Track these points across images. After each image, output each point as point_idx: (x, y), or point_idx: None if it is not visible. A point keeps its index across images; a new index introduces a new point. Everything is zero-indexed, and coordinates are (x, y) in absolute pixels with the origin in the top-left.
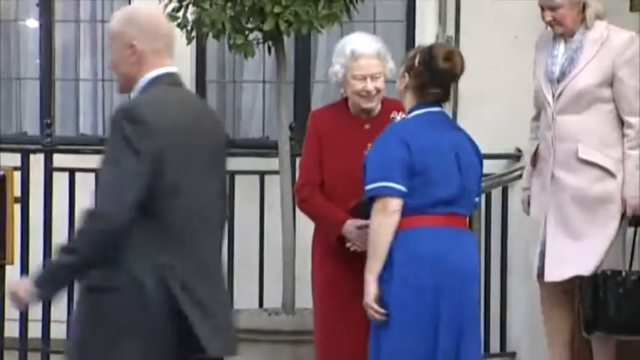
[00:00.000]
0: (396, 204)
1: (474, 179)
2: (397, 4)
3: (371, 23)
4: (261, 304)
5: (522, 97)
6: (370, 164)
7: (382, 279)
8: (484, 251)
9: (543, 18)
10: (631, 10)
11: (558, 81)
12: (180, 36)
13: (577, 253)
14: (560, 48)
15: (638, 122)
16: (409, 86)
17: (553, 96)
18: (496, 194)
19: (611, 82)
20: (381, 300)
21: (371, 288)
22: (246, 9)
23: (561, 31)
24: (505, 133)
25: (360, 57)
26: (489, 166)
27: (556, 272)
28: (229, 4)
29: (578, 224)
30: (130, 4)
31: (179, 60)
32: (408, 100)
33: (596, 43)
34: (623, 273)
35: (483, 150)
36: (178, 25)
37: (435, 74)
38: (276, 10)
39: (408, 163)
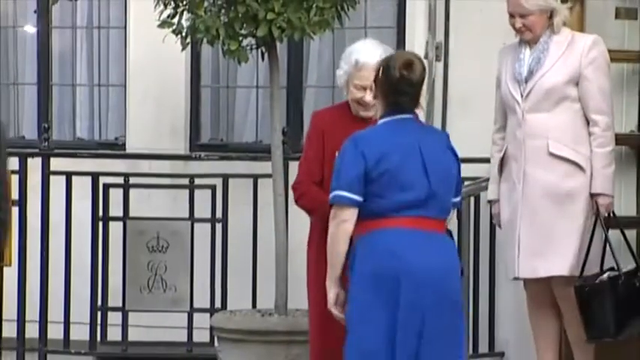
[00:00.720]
0: (348, 213)
1: (447, 181)
2: (388, 10)
3: (362, 29)
4: (254, 305)
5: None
6: (333, 173)
7: (349, 281)
8: (473, 253)
9: (513, 25)
10: (616, 17)
11: (526, 80)
12: (175, 42)
13: (549, 252)
14: (526, 52)
15: (604, 120)
16: (377, 94)
17: (522, 96)
18: (484, 197)
19: (577, 81)
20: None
21: (330, 294)
22: (240, 15)
23: (530, 37)
24: None
25: (362, 67)
26: (478, 170)
27: (529, 268)
28: (223, 11)
29: (549, 220)
30: (125, 10)
31: (174, 66)
32: (379, 109)
33: (562, 45)
34: (622, 277)
35: (472, 154)
36: (173, 32)
37: (393, 83)
38: (269, 16)
39: (362, 172)
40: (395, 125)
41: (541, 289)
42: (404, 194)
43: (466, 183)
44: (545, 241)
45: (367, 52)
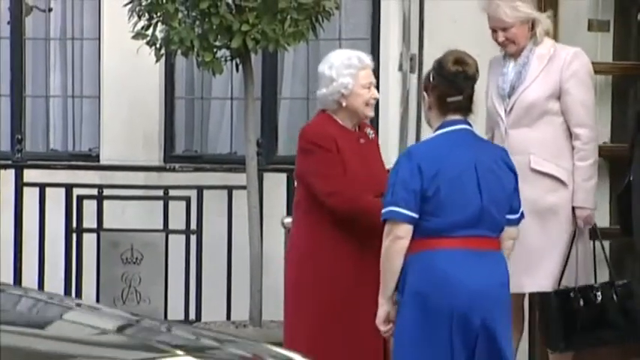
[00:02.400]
0: (402, 229)
1: (500, 199)
2: (362, 22)
3: (336, 41)
4: (228, 317)
5: (482, 113)
6: (387, 187)
7: (399, 301)
8: None
9: (495, 39)
10: (589, 29)
11: (509, 96)
12: (149, 53)
13: (534, 268)
14: (510, 65)
15: (586, 133)
16: (431, 104)
17: (505, 111)
18: None
19: (559, 95)
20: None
21: (380, 311)
22: (214, 27)
23: (514, 49)
24: None
25: (366, 65)
26: None
27: (516, 284)
28: (197, 23)
29: (532, 235)
30: (99, 22)
31: (148, 77)
32: (434, 120)
33: (544, 58)
34: (595, 288)
35: None
36: (147, 43)
37: (448, 79)
38: (244, 28)
39: (419, 189)
40: (451, 138)
41: (515, 300)
42: (457, 213)
43: None
44: (529, 256)
45: (361, 54)
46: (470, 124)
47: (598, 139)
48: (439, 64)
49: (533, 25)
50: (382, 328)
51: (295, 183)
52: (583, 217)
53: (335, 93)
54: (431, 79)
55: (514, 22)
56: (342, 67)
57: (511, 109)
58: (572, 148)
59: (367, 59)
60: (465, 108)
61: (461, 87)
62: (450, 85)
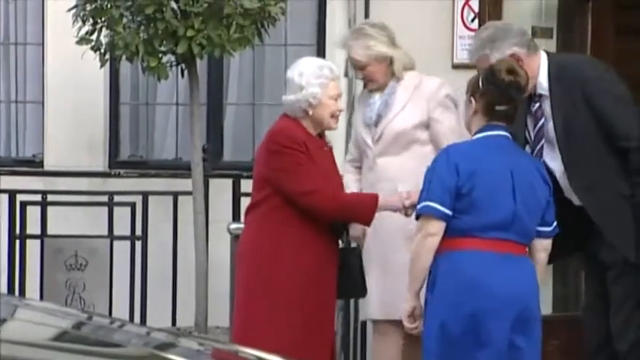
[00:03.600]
0: (436, 225)
1: (533, 208)
2: (308, 28)
3: (282, 47)
4: (174, 323)
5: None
6: (423, 184)
7: (426, 299)
8: None
9: (357, 77)
10: (533, 36)
11: (376, 124)
12: (94, 58)
13: (397, 296)
14: (376, 97)
15: None
16: (478, 109)
17: (373, 140)
18: None
19: (427, 124)
20: (423, 319)
21: (406, 305)
22: (160, 32)
23: (375, 86)
24: None
25: (337, 77)
26: None
27: (384, 311)
28: (143, 28)
29: (401, 260)
30: (43, 26)
31: (93, 82)
32: (475, 125)
33: (410, 88)
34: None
35: None
36: (92, 48)
37: (501, 88)
38: (189, 33)
39: (454, 186)
40: (490, 142)
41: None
42: (490, 214)
43: None
44: (399, 281)
45: (330, 63)
46: (510, 133)
47: None
48: (492, 72)
49: (392, 62)
50: (407, 323)
51: (252, 186)
52: None
53: (303, 101)
54: (480, 85)
55: (368, 60)
56: (312, 77)
57: (379, 138)
58: None
59: (337, 70)
60: (510, 117)
61: (511, 97)
62: (502, 93)
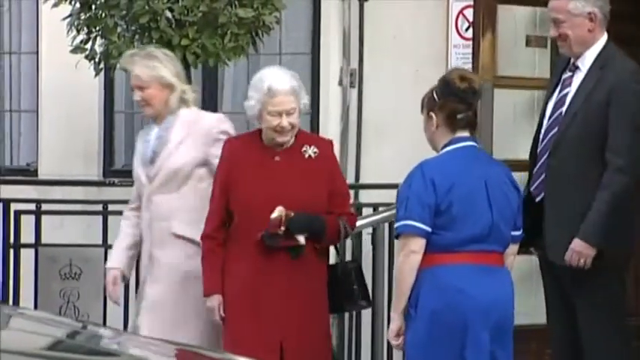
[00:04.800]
0: (417, 244)
1: (508, 215)
2: (302, 37)
3: (277, 56)
4: None
5: (422, 128)
6: (398, 201)
7: (409, 314)
8: (387, 280)
9: (134, 98)
10: (527, 45)
11: (152, 162)
12: (88, 67)
13: (175, 336)
14: (154, 132)
15: None
16: (439, 122)
17: (148, 177)
18: None
19: (204, 161)
20: (405, 335)
21: (393, 325)
22: (154, 41)
23: (150, 112)
24: (407, 163)
25: (275, 94)
26: (391, 196)
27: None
28: (137, 37)
29: (176, 302)
30: (37, 36)
31: (88, 91)
32: (440, 139)
33: (187, 124)
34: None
35: (386, 180)
36: (86, 57)
37: (458, 96)
38: (184, 42)
39: (433, 203)
40: (461, 153)
41: None
42: (469, 228)
43: (380, 209)
44: (173, 324)
45: (278, 78)
46: (476, 141)
47: None
48: (445, 83)
49: (172, 92)
50: (394, 342)
51: None
52: None
53: (247, 111)
54: (436, 98)
55: (150, 81)
56: (252, 89)
57: (155, 175)
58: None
59: (282, 86)
60: (473, 123)
61: (470, 102)
62: (460, 101)
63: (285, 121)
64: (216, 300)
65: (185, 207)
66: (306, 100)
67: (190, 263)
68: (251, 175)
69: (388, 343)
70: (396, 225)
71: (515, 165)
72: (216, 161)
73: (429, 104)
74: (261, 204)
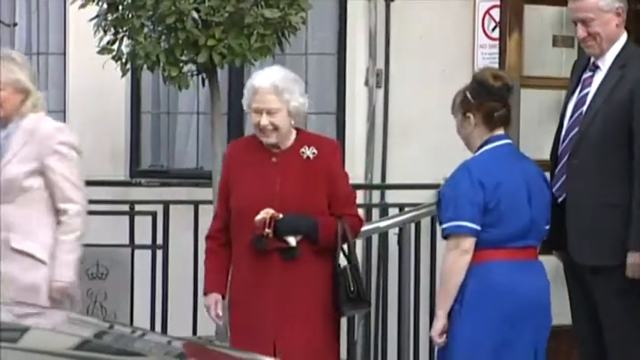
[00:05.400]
0: (468, 243)
1: (544, 209)
2: (329, 37)
3: (303, 56)
4: (194, 332)
5: (449, 128)
6: (445, 202)
7: (454, 310)
8: (413, 279)
9: None
10: (553, 45)
11: None
12: (115, 68)
13: None
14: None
15: (72, 208)
16: (478, 122)
17: None
18: (425, 224)
19: (39, 171)
20: (450, 331)
21: (439, 324)
22: (181, 42)
23: (1, 114)
24: (434, 163)
25: (257, 91)
26: (419, 196)
27: None
28: (164, 37)
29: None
30: (64, 36)
31: (114, 92)
32: (477, 139)
33: (27, 132)
34: None
35: (412, 180)
36: (113, 58)
37: (495, 94)
38: (210, 42)
39: (482, 201)
40: (500, 152)
41: None
42: (514, 224)
43: (406, 209)
44: None
45: (262, 76)
46: (510, 139)
47: (85, 213)
48: (479, 83)
49: (27, 97)
50: (439, 340)
51: None
52: (59, 290)
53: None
54: (471, 99)
55: (5, 84)
56: (245, 87)
57: None
58: (58, 222)
59: (263, 83)
60: (508, 119)
61: (505, 99)
62: (497, 99)
63: (265, 120)
64: (212, 299)
65: (23, 218)
66: (298, 101)
67: (27, 276)
68: (248, 176)
69: (415, 342)
70: (445, 225)
71: (542, 165)
72: (51, 174)
73: (464, 105)
74: (256, 205)
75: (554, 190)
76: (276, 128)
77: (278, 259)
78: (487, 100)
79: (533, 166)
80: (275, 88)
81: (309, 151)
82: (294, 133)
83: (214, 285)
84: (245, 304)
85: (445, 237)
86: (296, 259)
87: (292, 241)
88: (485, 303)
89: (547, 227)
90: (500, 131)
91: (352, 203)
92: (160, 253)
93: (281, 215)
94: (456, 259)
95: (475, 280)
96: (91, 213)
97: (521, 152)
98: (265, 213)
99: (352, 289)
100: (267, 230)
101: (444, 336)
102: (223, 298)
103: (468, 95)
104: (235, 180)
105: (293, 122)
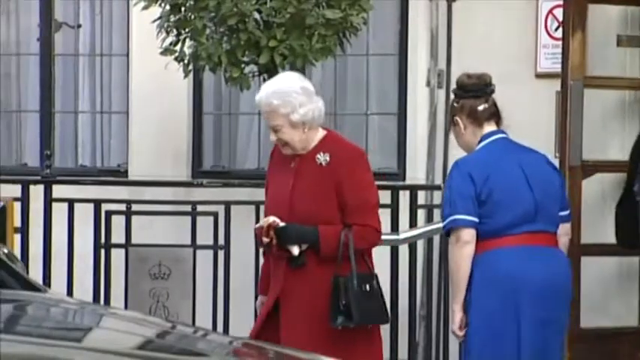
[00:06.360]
0: (467, 234)
1: (551, 193)
2: (390, 37)
3: (364, 57)
4: None
5: (509, 129)
6: (443, 203)
7: (466, 302)
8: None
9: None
10: (618, 45)
11: None
12: (177, 69)
13: None
14: None
15: None
16: (466, 123)
17: None
18: None
19: None
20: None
21: (455, 317)
22: (242, 43)
23: None
24: None
25: (259, 107)
26: None
27: None
28: (225, 38)
29: None
30: (128, 38)
31: (177, 92)
32: (471, 140)
33: None
34: None
35: None
36: (175, 59)
37: (471, 91)
38: (272, 43)
39: (473, 193)
40: (494, 146)
41: None
42: (513, 211)
43: None
44: None
45: (260, 92)
46: (505, 133)
47: None
48: (457, 87)
49: None
50: (459, 333)
51: None
52: None
53: None
54: (455, 104)
55: None
56: None
57: None
58: None
59: (259, 100)
60: (496, 114)
61: (484, 93)
62: (475, 95)
63: (272, 136)
64: (259, 301)
65: None
66: (299, 113)
67: None
68: (274, 180)
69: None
70: (444, 223)
71: (605, 166)
72: None
73: (452, 111)
74: (272, 209)
75: (635, 188)
76: (286, 142)
77: (285, 266)
78: (466, 98)
79: (534, 153)
80: (270, 105)
81: (322, 158)
82: (319, 135)
83: (261, 287)
84: (266, 307)
85: (447, 234)
86: (300, 267)
87: (294, 250)
88: (489, 291)
89: (564, 213)
90: (492, 127)
91: (365, 212)
92: (221, 253)
93: (282, 223)
94: (458, 251)
95: (479, 269)
96: (153, 213)
97: (522, 145)
98: (264, 221)
99: (344, 301)
100: (265, 239)
101: (465, 330)
102: None
103: (453, 102)
104: (267, 183)
105: (306, 130)
